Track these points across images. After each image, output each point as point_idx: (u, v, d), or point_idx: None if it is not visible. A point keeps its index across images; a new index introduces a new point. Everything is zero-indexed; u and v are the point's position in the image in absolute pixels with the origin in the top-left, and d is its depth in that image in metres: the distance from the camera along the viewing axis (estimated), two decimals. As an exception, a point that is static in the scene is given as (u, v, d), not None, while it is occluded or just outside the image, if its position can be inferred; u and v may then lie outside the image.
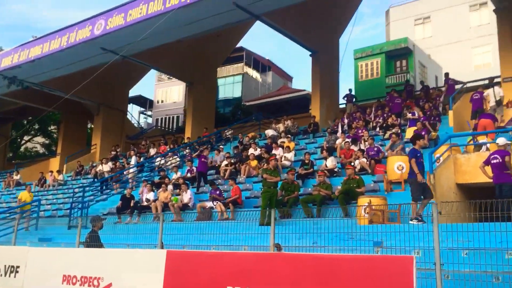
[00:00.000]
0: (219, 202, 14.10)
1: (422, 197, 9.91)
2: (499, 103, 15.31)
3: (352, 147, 15.26)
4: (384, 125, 17.89)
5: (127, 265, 6.41)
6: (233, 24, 21.03)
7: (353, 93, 23.41)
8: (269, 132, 20.68)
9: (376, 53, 33.43)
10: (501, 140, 9.50)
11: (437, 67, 36.20)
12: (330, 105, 22.76)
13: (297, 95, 36.33)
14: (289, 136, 19.36)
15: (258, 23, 24.12)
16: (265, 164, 16.86)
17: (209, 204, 14.33)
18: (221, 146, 21.53)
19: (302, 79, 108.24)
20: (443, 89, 19.90)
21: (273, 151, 17.88)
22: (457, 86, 19.11)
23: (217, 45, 27.12)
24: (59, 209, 20.07)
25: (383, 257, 4.99)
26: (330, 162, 14.67)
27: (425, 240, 8.29)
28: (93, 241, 8.79)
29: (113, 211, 16.62)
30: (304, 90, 36.50)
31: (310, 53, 22.59)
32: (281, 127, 22.19)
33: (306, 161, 15.24)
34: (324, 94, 22.32)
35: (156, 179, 18.88)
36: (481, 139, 12.14)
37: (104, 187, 21.12)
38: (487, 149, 11.65)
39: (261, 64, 43.69)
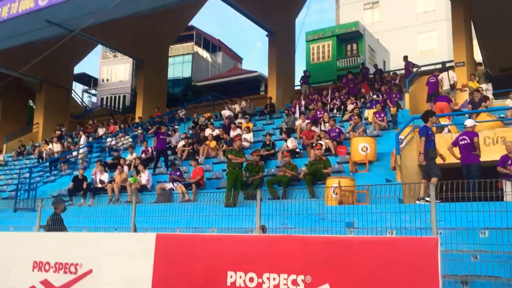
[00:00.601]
0: (179, 184, 13.70)
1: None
2: (453, 86, 15.73)
3: (313, 128, 15.22)
4: (342, 107, 17.99)
5: (109, 249, 5.96)
6: (186, 1, 20.36)
7: (308, 74, 23.38)
8: (226, 113, 20.32)
9: (328, 36, 33.63)
10: (469, 122, 9.72)
11: (385, 51, 36.98)
12: (286, 87, 22.65)
13: (249, 76, 36.05)
14: (247, 117, 19.10)
15: (210, 2, 23.55)
16: (224, 145, 16.61)
17: (169, 185, 13.88)
18: (175, 127, 20.94)
19: (252, 61, 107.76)
20: (400, 72, 20.26)
21: (232, 132, 17.61)
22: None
23: (169, 23, 26.25)
24: (2, 191, 18.88)
25: (405, 239, 4.79)
26: (291, 143, 14.58)
27: (397, 220, 8.37)
28: (56, 225, 8.21)
29: (64, 193, 15.77)
30: (255, 72, 36.25)
31: (266, 33, 22.29)
32: (236, 108, 21.88)
33: (267, 142, 15.09)
34: (281, 75, 22.18)
35: (109, 160, 18.11)
36: (443, 121, 12.40)
37: (52, 168, 20.06)
38: (449, 130, 11.93)
39: (211, 44, 42.95)
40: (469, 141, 9.32)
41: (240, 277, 4.71)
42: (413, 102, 16.77)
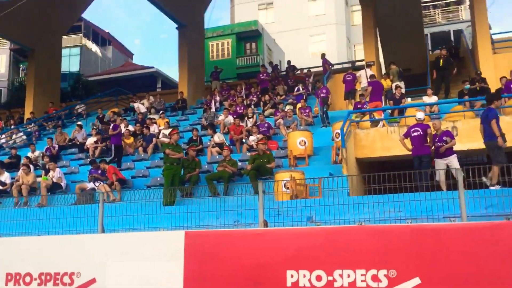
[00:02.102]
0: (102, 183, 12.47)
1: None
2: (371, 84, 16.39)
3: (241, 123, 14.86)
4: (261, 102, 17.81)
5: (118, 252, 4.96)
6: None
7: (219, 70, 22.96)
8: (141, 108, 19.09)
9: (227, 33, 33.48)
10: (420, 115, 10.08)
11: (280, 52, 37.80)
12: (197, 82, 22.00)
13: (145, 72, 34.55)
14: (163, 112, 18.17)
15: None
16: (143, 142, 15.60)
17: (90, 185, 12.57)
18: (78, 123, 19.18)
19: (143, 57, 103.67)
20: (315, 70, 20.67)
21: (152, 128, 16.64)
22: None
23: (62, 11, 24.01)
24: None
25: (507, 224, 4.36)
26: (218, 138, 14.09)
27: (361, 212, 8.34)
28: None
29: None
30: (152, 68, 34.87)
31: (176, 26, 21.43)
32: (145, 103, 20.74)
33: (195, 138, 14.40)
34: (192, 70, 21.45)
35: (6, 159, 15.96)
36: (378, 117, 12.76)
37: None
38: (384, 125, 12.36)
39: (101, 37, 40.41)
40: (421, 133, 9.65)
41: (304, 275, 4.17)
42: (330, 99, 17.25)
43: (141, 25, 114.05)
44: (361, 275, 4.30)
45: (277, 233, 4.83)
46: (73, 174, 14.60)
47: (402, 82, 16.65)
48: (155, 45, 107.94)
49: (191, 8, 21.60)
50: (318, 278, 4.34)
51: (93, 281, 5.02)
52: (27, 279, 5.19)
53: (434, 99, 14.30)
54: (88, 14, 71.68)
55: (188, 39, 21.44)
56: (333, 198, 9.48)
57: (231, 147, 14.23)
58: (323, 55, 20.14)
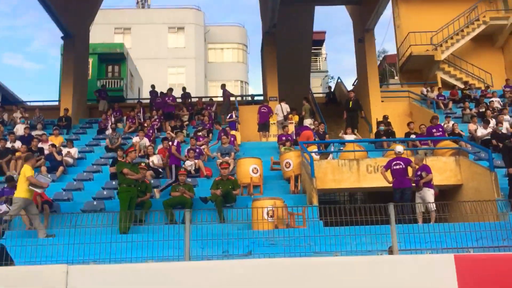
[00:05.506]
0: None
1: None
2: (286, 117, 16.77)
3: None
4: (179, 126, 16.70)
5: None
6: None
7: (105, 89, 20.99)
8: (20, 125, 16.20)
9: (89, 53, 30.93)
10: (400, 148, 10.52)
11: (140, 79, 36.39)
12: (80, 99, 19.75)
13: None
14: (56, 128, 15.78)
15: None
16: (43, 159, 13.31)
17: (3, 207, 10.11)
18: None
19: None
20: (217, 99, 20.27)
21: (42, 145, 14.29)
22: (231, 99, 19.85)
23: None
24: None
25: None
26: (157, 160, 12.79)
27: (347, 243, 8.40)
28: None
29: None
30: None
31: (62, 35, 19.11)
32: (17, 117, 17.81)
33: (119, 159, 12.74)
34: (77, 85, 19.21)
35: None
36: (312, 149, 12.88)
37: None
38: (333, 157, 12.66)
39: None
40: (403, 166, 10.08)
41: None
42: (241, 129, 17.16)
43: None
44: None
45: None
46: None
47: (313, 119, 17.41)
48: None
49: (78, 19, 19.56)
50: None
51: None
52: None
53: (352, 137, 15.26)
54: None
55: (75, 51, 19.26)
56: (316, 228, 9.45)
57: (160, 170, 13.04)
58: (223, 86, 19.99)
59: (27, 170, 9.34)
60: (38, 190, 9.38)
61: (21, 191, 9.22)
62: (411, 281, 4.77)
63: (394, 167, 10.13)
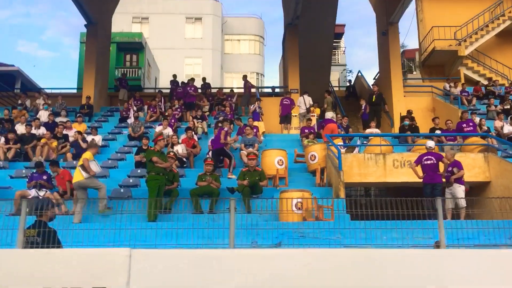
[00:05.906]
0: (47, 191, 10.22)
1: None
2: (308, 110, 16.67)
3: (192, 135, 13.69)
4: (200, 116, 16.62)
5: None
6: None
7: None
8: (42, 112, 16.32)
9: (108, 41, 30.99)
10: (431, 143, 10.38)
11: (157, 68, 36.41)
12: (102, 88, 19.80)
13: (3, 70, 29.94)
14: (80, 116, 15.85)
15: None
16: (68, 145, 13.39)
17: (32, 193, 10.14)
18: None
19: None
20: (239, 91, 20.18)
21: (66, 131, 14.39)
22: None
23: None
24: None
25: None
26: (181, 150, 12.77)
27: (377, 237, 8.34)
28: (48, 241, 5.01)
29: None
30: (12, 66, 30.41)
31: (85, 23, 19.15)
32: (40, 103, 17.93)
33: (144, 147, 12.74)
34: (99, 74, 19.25)
35: None
36: (338, 142, 12.80)
37: None
38: (359, 150, 12.55)
39: None
40: (435, 162, 9.94)
41: None
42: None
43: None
44: None
45: None
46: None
47: (334, 112, 17.28)
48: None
49: (102, 6, 19.58)
50: None
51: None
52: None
53: (376, 131, 15.11)
54: None
55: (98, 39, 19.28)
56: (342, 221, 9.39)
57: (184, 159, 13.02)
58: (244, 77, 19.84)
59: (88, 155, 9.59)
60: (85, 174, 9.40)
61: (77, 176, 9.50)
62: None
63: (425, 162, 9.99)
